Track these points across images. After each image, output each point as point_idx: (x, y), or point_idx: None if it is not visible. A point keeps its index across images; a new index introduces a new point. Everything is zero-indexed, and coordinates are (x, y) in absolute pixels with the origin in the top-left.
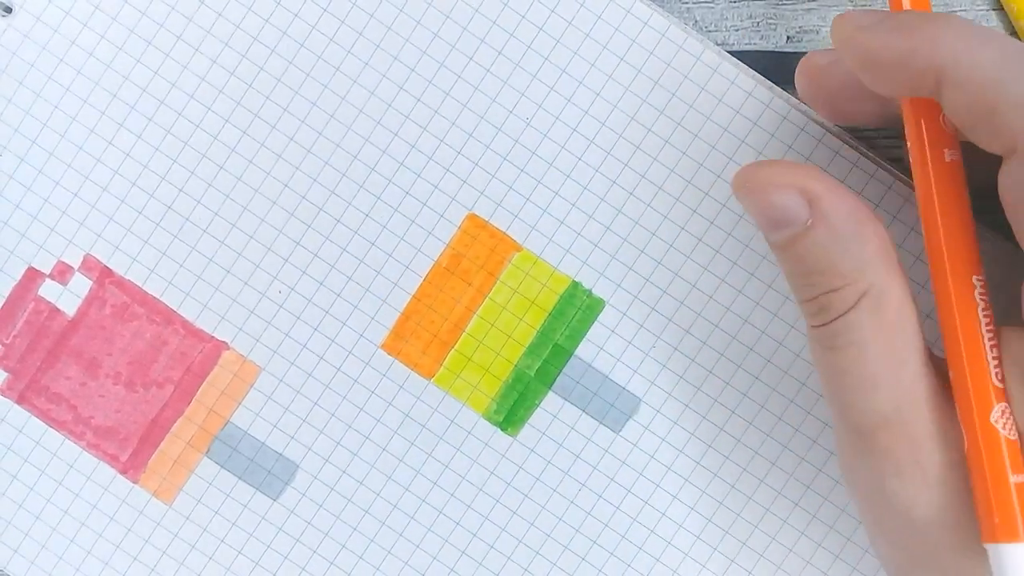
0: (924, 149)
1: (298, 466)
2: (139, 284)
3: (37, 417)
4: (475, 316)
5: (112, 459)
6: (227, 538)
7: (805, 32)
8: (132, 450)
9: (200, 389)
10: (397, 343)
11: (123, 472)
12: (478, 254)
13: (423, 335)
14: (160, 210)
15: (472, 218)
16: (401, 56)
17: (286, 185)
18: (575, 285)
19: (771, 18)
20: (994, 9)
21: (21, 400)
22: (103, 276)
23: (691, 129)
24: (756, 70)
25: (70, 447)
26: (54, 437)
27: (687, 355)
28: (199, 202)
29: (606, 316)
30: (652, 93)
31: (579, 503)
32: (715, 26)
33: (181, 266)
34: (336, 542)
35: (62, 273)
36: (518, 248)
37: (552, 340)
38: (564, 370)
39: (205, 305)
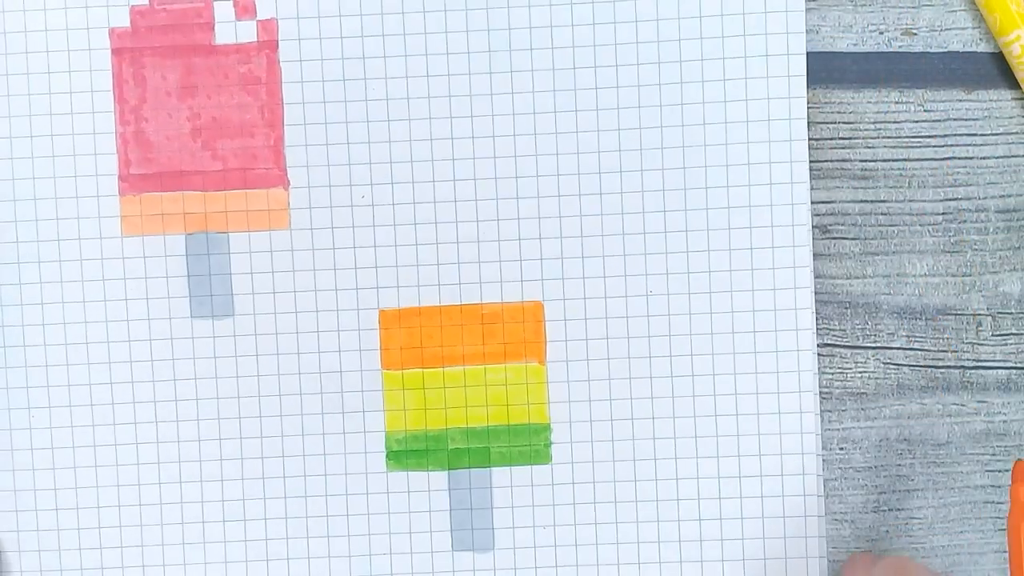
0: None
1: (233, 313)
2: (282, 79)
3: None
4: (462, 367)
5: (124, 163)
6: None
7: (806, 32)
8: (145, 173)
9: (237, 191)
10: (392, 321)
11: (121, 179)
12: (514, 333)
13: (415, 336)
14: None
15: (539, 307)
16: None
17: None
18: (546, 428)
19: None
20: (977, 28)
21: (117, 54)
22: (266, 46)
23: None
24: None
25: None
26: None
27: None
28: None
29: (539, 472)
30: None
31: (368, 560)
32: None
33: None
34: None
35: (245, 9)
36: (542, 360)
37: (488, 444)
38: (471, 469)
39: (305, 145)
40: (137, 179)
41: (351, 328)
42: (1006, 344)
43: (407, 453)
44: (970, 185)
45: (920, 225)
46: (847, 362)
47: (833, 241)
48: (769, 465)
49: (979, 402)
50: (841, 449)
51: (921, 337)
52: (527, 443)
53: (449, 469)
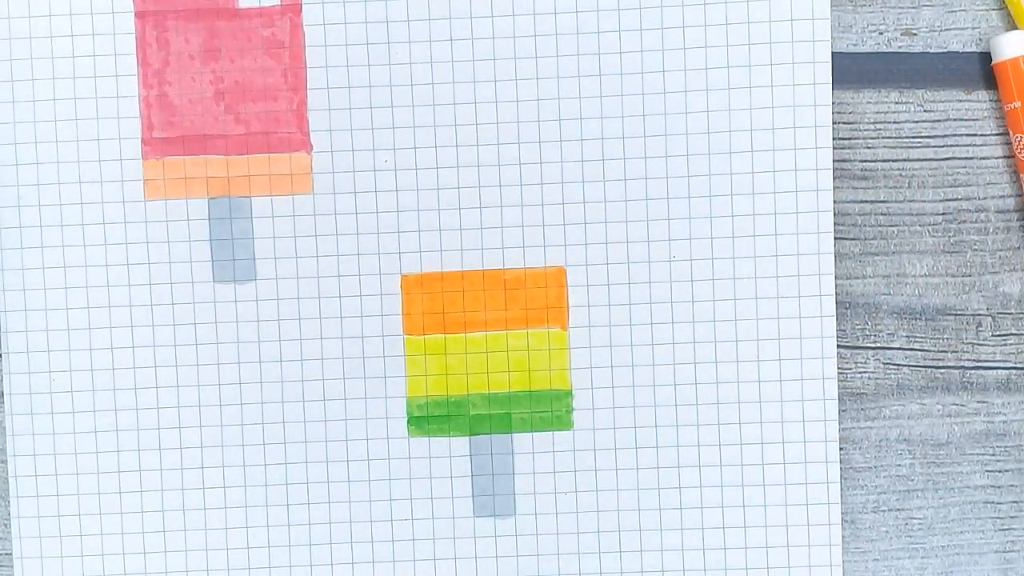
0: None
1: (255, 278)
2: (306, 42)
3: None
4: (484, 333)
5: (147, 127)
6: (154, 264)
7: None
8: (167, 137)
9: (260, 155)
10: (414, 286)
11: (144, 143)
12: (536, 299)
13: (437, 301)
14: None
15: (562, 272)
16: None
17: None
18: (567, 394)
19: None
20: (995, 9)
21: (140, 17)
22: (289, 10)
23: None
24: None
25: (127, 84)
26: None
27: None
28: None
29: (561, 438)
30: None
31: (389, 526)
32: None
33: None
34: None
35: None
36: (564, 325)
37: (510, 410)
38: (492, 435)
39: (328, 109)
40: (160, 143)
41: (373, 293)
42: (1006, 344)
43: (428, 419)
44: (970, 185)
45: (920, 225)
46: (847, 362)
47: (833, 241)
48: (790, 425)
49: (979, 402)
50: (841, 449)
51: (921, 337)
52: (548, 409)
53: (470, 435)
